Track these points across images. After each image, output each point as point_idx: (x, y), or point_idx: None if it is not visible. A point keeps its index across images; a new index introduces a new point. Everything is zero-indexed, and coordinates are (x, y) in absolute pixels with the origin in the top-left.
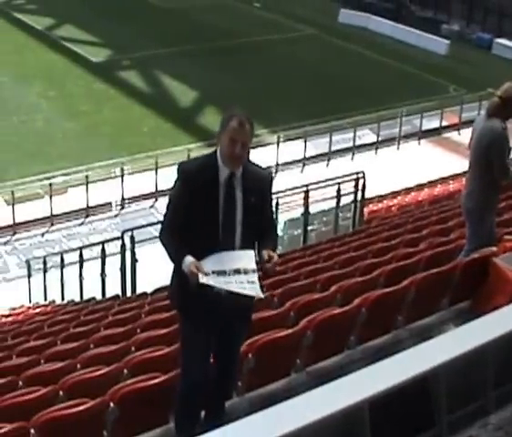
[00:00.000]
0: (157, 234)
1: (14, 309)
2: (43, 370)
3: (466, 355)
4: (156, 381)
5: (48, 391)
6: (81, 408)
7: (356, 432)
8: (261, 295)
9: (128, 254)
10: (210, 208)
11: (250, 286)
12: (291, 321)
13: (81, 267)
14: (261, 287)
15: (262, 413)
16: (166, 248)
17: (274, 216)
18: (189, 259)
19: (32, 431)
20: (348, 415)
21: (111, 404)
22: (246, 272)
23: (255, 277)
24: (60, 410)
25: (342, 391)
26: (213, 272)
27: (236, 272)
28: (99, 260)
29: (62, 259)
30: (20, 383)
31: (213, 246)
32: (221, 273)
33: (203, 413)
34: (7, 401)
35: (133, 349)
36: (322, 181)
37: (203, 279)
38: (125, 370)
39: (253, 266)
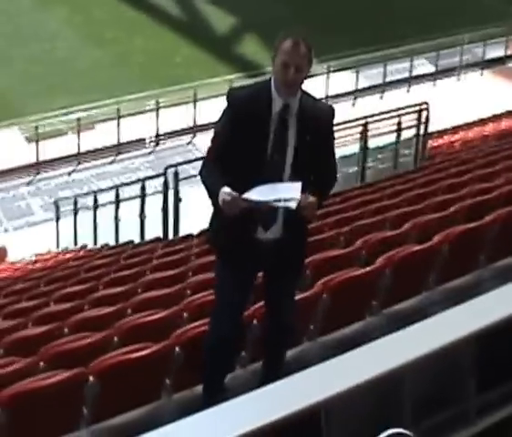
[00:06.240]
0: (196, 173)
1: (41, 254)
2: (90, 316)
3: None
4: None
5: (103, 337)
6: (143, 353)
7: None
8: (293, 206)
9: (170, 193)
10: (259, 144)
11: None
12: (364, 260)
13: (117, 208)
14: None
15: (347, 355)
16: (205, 183)
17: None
18: (225, 189)
19: (91, 378)
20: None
21: (176, 349)
22: (286, 201)
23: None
24: (121, 355)
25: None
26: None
27: (276, 201)
28: (133, 201)
29: (95, 200)
30: (66, 330)
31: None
32: (259, 203)
33: (262, 361)
34: (57, 347)
35: (189, 292)
36: (381, 113)
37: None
38: (185, 314)
39: (297, 196)
